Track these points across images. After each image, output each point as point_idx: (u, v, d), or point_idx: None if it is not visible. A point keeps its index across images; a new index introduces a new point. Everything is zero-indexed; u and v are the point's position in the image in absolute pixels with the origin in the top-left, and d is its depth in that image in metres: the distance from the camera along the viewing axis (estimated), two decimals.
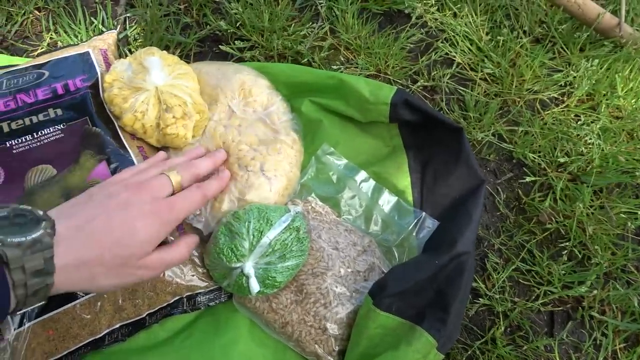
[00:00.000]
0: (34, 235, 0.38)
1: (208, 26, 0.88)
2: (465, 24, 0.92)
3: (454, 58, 0.89)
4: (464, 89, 0.86)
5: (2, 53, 0.83)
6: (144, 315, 0.59)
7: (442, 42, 0.91)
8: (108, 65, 0.72)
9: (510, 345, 0.67)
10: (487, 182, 0.78)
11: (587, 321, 0.70)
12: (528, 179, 0.79)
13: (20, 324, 0.53)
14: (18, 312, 0.40)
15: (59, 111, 0.65)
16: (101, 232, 0.43)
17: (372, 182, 0.71)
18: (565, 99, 0.88)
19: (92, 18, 0.87)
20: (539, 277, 0.72)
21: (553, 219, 0.75)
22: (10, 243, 0.36)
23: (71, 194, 0.59)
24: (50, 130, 0.63)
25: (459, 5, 0.94)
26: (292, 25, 0.89)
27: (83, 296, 0.56)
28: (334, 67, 0.86)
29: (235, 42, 0.86)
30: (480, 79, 0.88)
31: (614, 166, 0.79)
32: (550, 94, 0.87)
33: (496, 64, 0.88)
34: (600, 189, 0.79)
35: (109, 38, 0.78)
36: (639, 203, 0.77)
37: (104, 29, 0.85)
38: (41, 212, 0.40)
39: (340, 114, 0.75)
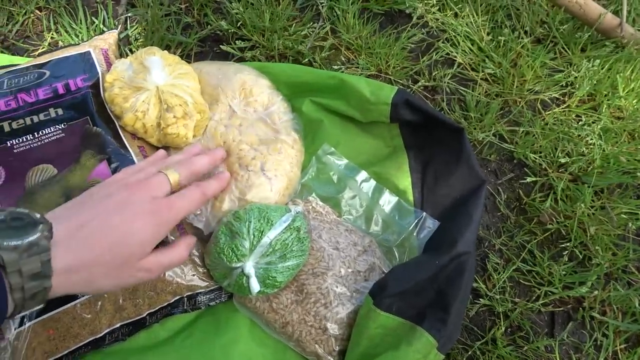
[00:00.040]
0: (30, 239, 0.38)
1: (209, 26, 0.88)
2: (467, 24, 0.92)
3: (455, 58, 0.89)
4: (465, 89, 0.86)
5: (3, 52, 0.83)
6: (144, 315, 0.59)
7: (443, 42, 0.90)
8: (109, 64, 0.72)
9: (511, 346, 0.67)
10: (488, 182, 0.78)
11: (587, 322, 0.69)
12: (529, 179, 0.79)
13: (21, 324, 0.53)
14: (17, 316, 0.40)
15: (60, 111, 0.65)
16: (100, 233, 0.43)
17: (372, 182, 0.71)
18: (566, 99, 0.88)
19: (93, 18, 0.87)
20: (539, 277, 0.72)
21: (554, 219, 0.75)
22: (7, 246, 0.36)
23: (72, 193, 0.59)
24: (51, 129, 0.63)
25: (460, 5, 0.94)
26: (293, 25, 0.89)
27: (83, 296, 0.56)
28: (335, 67, 0.86)
29: (236, 42, 0.86)
30: (481, 79, 0.87)
31: (615, 167, 0.79)
32: (551, 94, 0.87)
33: (497, 64, 0.88)
34: (601, 190, 0.79)
35: (110, 38, 0.78)
36: None
37: (105, 29, 0.85)
38: (38, 215, 0.40)
39: (341, 114, 0.75)
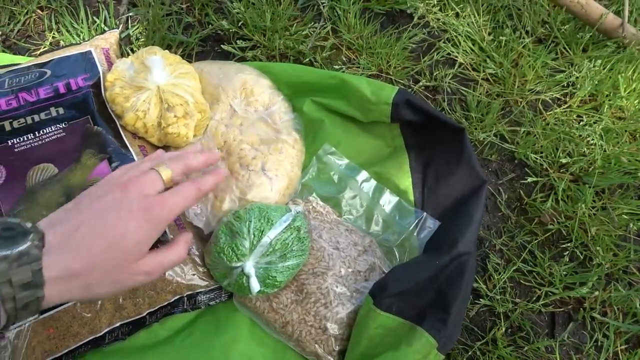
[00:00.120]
0: (20, 248, 0.37)
1: (210, 26, 0.88)
2: (468, 24, 0.92)
3: (456, 58, 0.89)
4: (466, 89, 0.86)
5: (4, 52, 0.83)
6: (144, 314, 0.59)
7: (444, 42, 0.90)
8: (110, 64, 0.72)
9: (511, 346, 0.67)
10: (489, 182, 0.78)
11: (588, 322, 0.69)
12: (530, 179, 0.79)
13: None
14: (12, 328, 0.39)
15: (61, 110, 0.65)
16: (90, 239, 0.41)
17: (373, 182, 0.71)
18: (567, 99, 0.87)
19: (94, 17, 0.88)
20: (540, 278, 0.72)
21: (555, 219, 0.75)
22: None
23: (72, 192, 0.60)
24: (51, 129, 0.63)
25: (461, 6, 0.94)
26: (294, 25, 0.89)
27: None
28: (336, 67, 0.86)
29: (237, 41, 0.86)
30: (482, 79, 0.87)
31: (616, 167, 0.79)
32: (552, 95, 0.87)
33: (498, 64, 0.88)
34: (603, 190, 0.79)
35: (111, 37, 0.78)
36: None
37: (106, 28, 0.86)
38: (29, 225, 0.39)
39: (341, 114, 0.75)
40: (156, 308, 0.59)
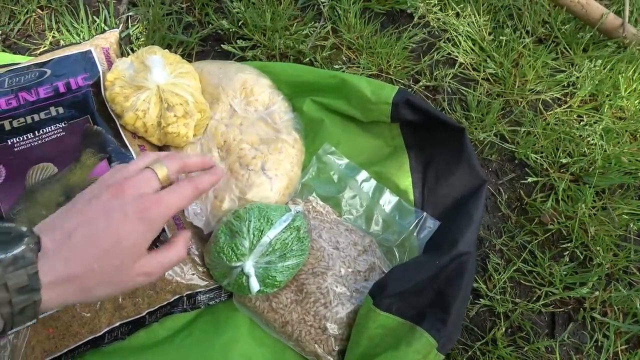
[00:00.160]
0: (14, 252, 0.36)
1: (210, 25, 0.88)
2: (468, 24, 0.92)
3: (456, 58, 0.89)
4: (466, 89, 0.86)
5: (4, 51, 0.83)
6: (143, 314, 0.59)
7: (444, 42, 0.90)
8: (110, 63, 0.72)
9: (511, 346, 0.67)
10: (489, 182, 0.78)
11: (588, 322, 0.69)
12: (530, 179, 0.78)
13: None
14: (10, 333, 0.38)
15: (61, 109, 0.65)
16: (85, 244, 0.41)
17: (373, 182, 0.71)
18: (568, 99, 0.87)
19: (94, 17, 0.87)
20: (540, 278, 0.72)
21: (555, 219, 0.75)
22: None
23: (72, 192, 0.60)
24: (51, 128, 0.63)
25: (461, 5, 0.94)
26: (294, 24, 0.89)
27: None
28: (336, 66, 0.86)
29: (237, 41, 0.86)
30: (482, 79, 0.87)
31: (616, 167, 0.78)
32: (552, 95, 0.87)
33: (499, 64, 0.88)
34: (603, 190, 0.79)
35: (111, 37, 0.78)
36: None
37: (106, 28, 0.86)
38: (25, 229, 0.39)
39: (341, 114, 0.75)
40: (156, 308, 0.59)
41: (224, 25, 0.86)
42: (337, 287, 0.61)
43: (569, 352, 0.68)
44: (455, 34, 0.91)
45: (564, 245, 0.74)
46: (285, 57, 0.87)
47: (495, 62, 0.88)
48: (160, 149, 0.71)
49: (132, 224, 0.42)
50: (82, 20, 0.86)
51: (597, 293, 0.70)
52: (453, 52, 0.89)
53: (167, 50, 0.71)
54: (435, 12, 0.94)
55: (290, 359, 0.62)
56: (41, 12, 0.89)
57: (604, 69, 0.88)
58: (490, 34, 0.91)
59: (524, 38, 0.91)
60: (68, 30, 0.86)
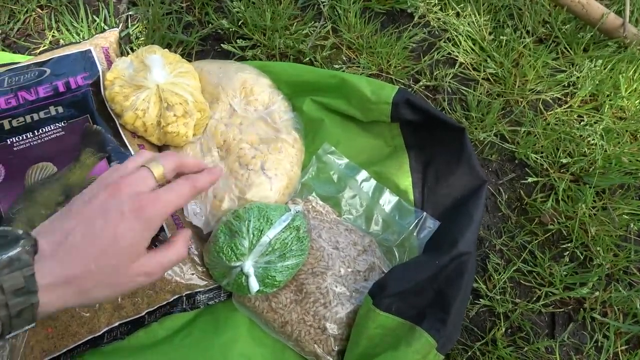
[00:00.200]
0: (10, 254, 0.36)
1: (210, 25, 0.88)
2: (468, 24, 0.91)
3: (456, 58, 0.89)
4: (467, 89, 0.86)
5: (4, 51, 0.83)
6: (143, 314, 0.58)
7: (444, 42, 0.90)
8: (110, 63, 0.72)
9: (511, 347, 0.67)
10: (489, 182, 0.78)
11: (588, 323, 0.69)
12: (530, 179, 0.78)
13: None
14: (8, 336, 0.38)
15: (60, 109, 0.65)
16: (82, 245, 0.40)
17: (373, 182, 0.71)
18: (568, 99, 0.87)
19: (94, 16, 0.87)
20: (540, 278, 0.72)
21: (555, 220, 0.75)
22: None
23: (71, 191, 0.59)
24: (51, 127, 0.63)
25: (462, 5, 0.94)
26: (294, 24, 0.89)
27: None
28: (336, 66, 0.86)
29: (237, 40, 0.86)
30: (482, 78, 0.87)
31: (616, 167, 0.78)
32: (553, 95, 0.87)
33: (499, 64, 0.88)
34: (603, 190, 0.78)
35: (111, 36, 0.78)
36: None
37: (106, 27, 0.85)
38: (21, 231, 0.38)
39: (341, 113, 0.75)
40: (155, 307, 0.59)
41: (224, 24, 0.86)
42: (336, 287, 0.60)
43: (569, 353, 0.68)
44: (455, 33, 0.91)
45: (564, 246, 0.74)
46: (285, 57, 0.87)
47: (496, 62, 0.88)
48: (160, 148, 0.71)
49: (129, 223, 0.42)
50: (81, 19, 0.86)
51: (597, 293, 0.69)
52: (453, 51, 0.89)
53: (166, 49, 0.71)
54: (436, 12, 0.94)
55: (289, 359, 0.62)
56: (41, 12, 0.89)
57: (605, 68, 0.88)
58: (490, 33, 0.91)
59: (524, 38, 0.91)
60: (68, 30, 0.85)
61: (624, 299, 0.70)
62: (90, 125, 0.64)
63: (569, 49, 0.92)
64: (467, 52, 0.90)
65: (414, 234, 0.67)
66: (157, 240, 0.51)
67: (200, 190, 0.48)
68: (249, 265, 0.57)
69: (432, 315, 0.57)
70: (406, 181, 0.71)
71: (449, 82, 0.86)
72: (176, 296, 0.60)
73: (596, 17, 0.90)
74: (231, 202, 0.64)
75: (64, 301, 0.40)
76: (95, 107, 0.66)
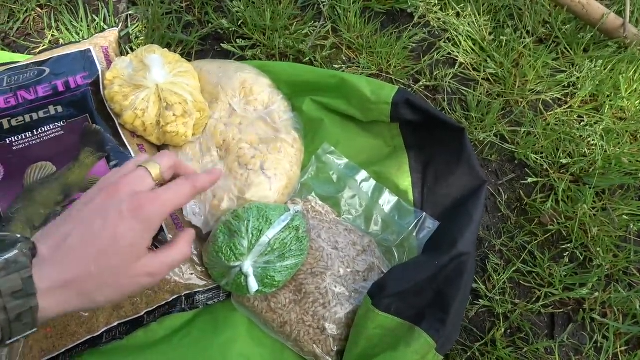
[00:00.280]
0: (6, 256, 0.36)
1: (210, 24, 0.88)
2: (468, 24, 0.91)
3: (456, 58, 0.89)
4: (467, 89, 0.86)
5: (3, 50, 0.83)
6: (142, 314, 0.58)
7: (444, 42, 0.90)
8: (109, 62, 0.72)
9: (510, 347, 0.66)
10: (489, 182, 0.78)
11: (588, 324, 0.69)
12: (530, 180, 0.78)
13: None
14: (9, 342, 0.37)
15: (59, 108, 0.65)
16: (81, 246, 0.40)
17: (372, 182, 0.71)
18: (568, 99, 0.87)
19: (94, 15, 0.87)
20: (539, 278, 0.72)
21: (555, 220, 0.75)
22: None
23: (70, 191, 0.59)
24: (50, 127, 0.63)
25: (462, 5, 0.94)
26: (294, 24, 0.89)
27: None
28: (336, 66, 0.86)
29: (237, 40, 0.86)
30: (482, 79, 0.87)
31: (616, 168, 0.78)
32: (553, 95, 0.87)
33: (499, 64, 0.88)
34: (603, 191, 0.78)
35: (111, 36, 0.78)
36: None
37: (105, 27, 0.85)
38: (18, 235, 0.38)
39: (341, 113, 0.75)
40: (154, 307, 0.59)
41: (224, 24, 0.86)
42: (336, 287, 0.60)
43: (569, 353, 0.67)
44: (455, 33, 0.91)
45: (563, 246, 0.74)
46: (285, 57, 0.86)
47: (496, 62, 0.88)
48: (159, 148, 0.71)
49: (128, 222, 0.41)
50: (81, 19, 0.86)
51: (596, 294, 0.69)
52: (453, 52, 0.89)
53: (166, 49, 0.71)
54: (436, 12, 0.94)
55: (288, 359, 0.62)
56: (40, 11, 0.89)
57: (605, 69, 0.88)
58: (490, 34, 0.91)
59: (524, 38, 0.91)
60: (67, 29, 0.85)
61: (623, 299, 0.70)
62: (89, 124, 0.64)
63: (569, 49, 0.92)
64: (467, 52, 0.89)
65: (414, 234, 0.67)
66: (157, 241, 0.51)
67: (200, 190, 0.48)
68: (248, 265, 0.57)
69: (431, 315, 0.57)
70: (406, 181, 0.71)
71: (449, 82, 0.86)
72: (175, 296, 0.60)
73: (596, 18, 0.90)
74: (230, 202, 0.64)
75: (65, 305, 0.39)
76: (95, 107, 0.66)
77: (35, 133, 0.62)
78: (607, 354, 0.67)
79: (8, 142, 0.61)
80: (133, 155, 0.64)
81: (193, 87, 0.68)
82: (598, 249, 0.72)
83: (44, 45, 0.84)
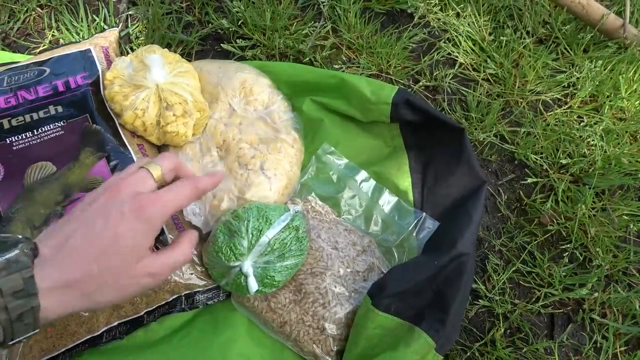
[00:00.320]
0: (7, 256, 0.36)
1: (210, 24, 0.88)
2: (468, 24, 0.91)
3: (456, 58, 0.89)
4: (466, 90, 0.86)
5: (4, 50, 0.83)
6: (142, 314, 0.58)
7: (444, 42, 0.90)
8: (109, 62, 0.72)
9: (510, 347, 0.67)
10: (489, 183, 0.78)
11: (587, 324, 0.69)
12: (530, 180, 0.78)
13: None
14: (11, 343, 0.37)
15: (60, 108, 0.65)
16: (82, 246, 0.40)
17: (372, 182, 0.71)
18: (568, 100, 0.87)
19: (94, 15, 0.87)
20: (539, 279, 0.72)
21: (554, 220, 0.75)
22: None
23: (70, 191, 0.60)
24: (50, 127, 0.63)
25: (462, 5, 0.94)
26: (294, 24, 0.89)
27: None
28: (336, 66, 0.86)
29: (237, 40, 0.86)
30: (482, 79, 0.87)
31: (616, 168, 0.78)
32: (553, 95, 0.87)
33: (499, 65, 0.88)
34: (603, 191, 0.78)
35: (111, 36, 0.78)
36: None
37: (105, 27, 0.85)
38: (20, 236, 0.39)
39: (341, 114, 0.75)
40: (154, 307, 0.59)
41: (224, 24, 0.86)
42: (335, 287, 0.60)
43: (568, 354, 0.67)
44: (455, 34, 0.91)
45: (563, 247, 0.74)
46: (285, 57, 0.86)
47: (496, 62, 0.88)
48: (159, 148, 0.71)
49: (130, 223, 0.41)
50: (81, 19, 0.86)
51: (596, 294, 0.69)
52: (453, 52, 0.89)
53: (166, 49, 0.71)
54: (436, 12, 0.94)
55: (288, 359, 0.62)
56: (41, 11, 0.89)
57: (605, 69, 0.88)
58: (490, 34, 0.91)
59: (524, 38, 0.91)
60: (67, 29, 0.85)
61: (623, 300, 0.70)
62: (89, 124, 0.64)
63: (569, 50, 0.92)
64: (467, 52, 0.90)
65: (413, 234, 0.67)
66: (158, 242, 0.51)
67: (201, 191, 0.48)
68: (248, 265, 0.57)
69: (431, 315, 0.57)
70: (405, 181, 0.71)
71: (449, 83, 0.86)
72: (175, 296, 0.60)
73: (596, 18, 0.90)
74: (230, 202, 0.64)
75: (67, 305, 0.40)
76: (95, 107, 0.66)
77: (36, 133, 0.62)
78: (607, 354, 0.67)
79: (8, 142, 0.61)
80: (133, 155, 0.64)
81: (193, 87, 0.68)
82: (598, 249, 0.72)
83: (44, 45, 0.85)
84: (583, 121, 0.84)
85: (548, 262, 0.72)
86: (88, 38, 0.79)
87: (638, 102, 0.86)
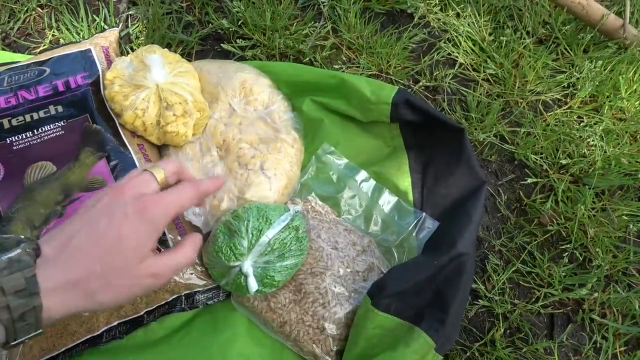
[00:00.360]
0: (9, 255, 0.36)
1: (210, 24, 0.88)
2: (468, 24, 0.91)
3: (456, 58, 0.89)
4: (466, 90, 0.86)
5: (4, 50, 0.83)
6: (142, 313, 0.59)
7: (444, 43, 0.90)
8: (109, 62, 0.72)
9: (510, 348, 0.67)
10: (488, 183, 0.78)
11: (587, 324, 0.69)
12: (529, 180, 0.78)
13: None
14: (14, 343, 0.37)
15: (60, 108, 0.65)
16: (86, 246, 0.40)
17: (372, 182, 0.71)
18: (568, 100, 0.87)
19: (94, 15, 0.87)
20: (539, 279, 0.72)
21: (554, 220, 0.75)
22: None
23: (70, 191, 0.60)
24: (50, 127, 0.63)
25: (462, 6, 0.94)
26: (294, 24, 0.89)
27: None
28: (336, 66, 0.86)
29: (237, 40, 0.86)
30: (482, 79, 0.87)
31: (616, 168, 0.78)
32: (553, 95, 0.87)
33: (499, 65, 0.88)
34: (602, 191, 0.78)
35: (111, 36, 0.78)
36: None
37: (105, 27, 0.85)
38: (22, 236, 0.39)
39: (341, 114, 0.75)
40: (154, 307, 0.59)
41: (224, 24, 0.86)
42: (335, 287, 0.60)
43: (568, 354, 0.67)
44: (455, 34, 0.91)
45: (563, 247, 0.74)
46: (285, 57, 0.87)
47: (496, 62, 0.88)
48: (159, 148, 0.71)
49: (133, 223, 0.42)
50: (81, 19, 0.86)
51: (596, 294, 0.69)
52: (453, 52, 0.89)
53: (166, 49, 0.71)
54: (436, 12, 0.94)
55: (288, 359, 0.62)
56: (41, 11, 0.89)
57: (605, 70, 0.88)
58: (490, 34, 0.91)
59: (524, 39, 0.91)
60: (68, 29, 0.86)
61: (622, 300, 0.70)
62: (89, 124, 0.64)
63: (569, 50, 0.92)
64: (467, 52, 0.90)
65: (413, 234, 0.67)
66: (159, 242, 0.51)
67: (203, 193, 0.49)
68: (247, 265, 0.57)
69: (430, 315, 0.57)
70: (405, 181, 0.71)
71: (449, 83, 0.86)
72: (175, 296, 0.60)
73: (596, 18, 0.90)
74: (230, 202, 0.65)
75: (70, 305, 0.40)
76: (95, 107, 0.66)
77: (36, 133, 0.62)
78: (607, 354, 0.67)
79: (8, 141, 0.61)
80: (133, 155, 0.64)
81: (193, 87, 0.68)
82: (597, 249, 0.72)
83: (44, 45, 0.85)
84: (583, 121, 0.84)
85: (548, 262, 0.72)
86: (88, 38, 0.79)
87: (638, 102, 0.86)
